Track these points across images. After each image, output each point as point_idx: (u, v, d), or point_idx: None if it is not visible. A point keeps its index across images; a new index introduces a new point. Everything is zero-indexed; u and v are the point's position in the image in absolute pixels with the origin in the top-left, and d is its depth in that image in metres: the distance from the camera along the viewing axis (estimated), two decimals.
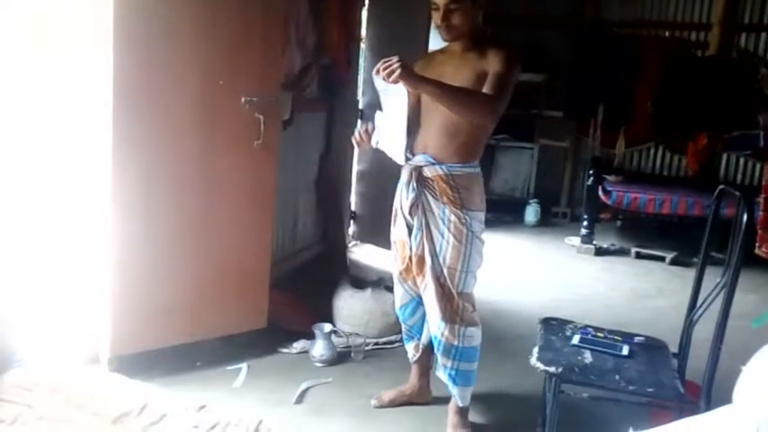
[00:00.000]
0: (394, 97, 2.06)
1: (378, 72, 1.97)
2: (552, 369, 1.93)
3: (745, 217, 1.74)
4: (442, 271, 2.28)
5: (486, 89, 2.12)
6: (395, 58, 1.95)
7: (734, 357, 1.84)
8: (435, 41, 4.13)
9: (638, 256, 5.25)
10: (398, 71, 1.93)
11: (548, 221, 6.40)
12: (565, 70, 5.95)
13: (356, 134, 2.32)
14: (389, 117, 2.16)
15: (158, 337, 2.70)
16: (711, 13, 6.03)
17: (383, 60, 1.97)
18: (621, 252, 5.36)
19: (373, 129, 2.26)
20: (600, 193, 5.30)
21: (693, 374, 2.07)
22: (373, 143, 2.26)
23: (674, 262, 5.11)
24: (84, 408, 2.12)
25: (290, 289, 3.41)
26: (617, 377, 1.92)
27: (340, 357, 2.95)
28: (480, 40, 2.24)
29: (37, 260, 2.59)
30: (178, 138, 2.62)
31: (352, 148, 4.43)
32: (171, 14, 2.50)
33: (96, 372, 2.56)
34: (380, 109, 2.23)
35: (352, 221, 4.64)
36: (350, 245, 4.46)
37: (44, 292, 2.61)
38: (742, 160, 6.11)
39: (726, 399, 1.64)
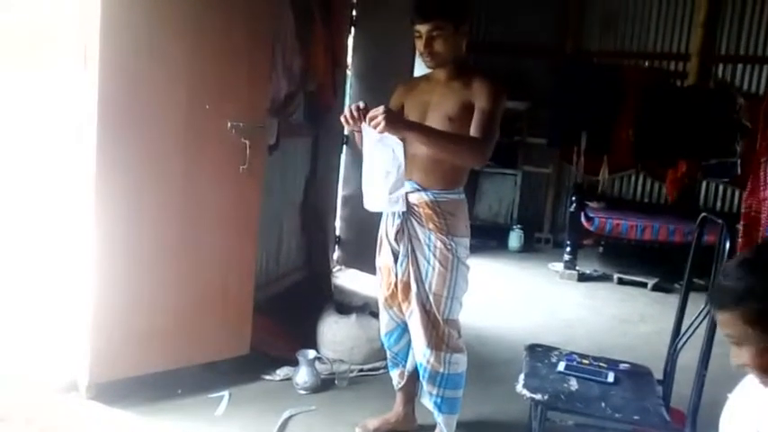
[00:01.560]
0: (389, 144, 2.06)
1: (366, 121, 2.00)
2: (538, 396, 1.92)
3: (727, 244, 1.76)
4: (427, 297, 2.28)
5: (474, 130, 2.15)
6: (380, 109, 1.98)
7: (717, 384, 1.85)
8: (420, 68, 4.17)
9: (621, 281, 5.29)
10: (383, 123, 1.96)
11: (531, 247, 6.44)
12: (548, 99, 6.04)
13: (346, 112, 2.11)
14: (383, 165, 2.13)
15: (139, 363, 2.65)
16: (690, 44, 6.18)
17: (371, 111, 2.00)
18: (604, 278, 5.40)
19: (365, 106, 2.09)
20: (582, 219, 5.35)
21: (677, 401, 2.07)
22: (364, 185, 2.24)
23: (655, 288, 5.15)
24: None
25: (274, 314, 3.37)
26: (603, 404, 1.91)
27: (324, 384, 2.92)
28: (464, 69, 2.27)
29: (15, 283, 2.54)
30: (162, 161, 2.60)
31: (338, 173, 4.48)
32: (157, 38, 2.50)
33: (74, 400, 2.50)
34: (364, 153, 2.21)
35: (336, 246, 4.63)
36: (334, 270, 4.44)
37: (22, 317, 2.55)
38: (721, 187, 6.22)
39: (710, 426, 1.65)
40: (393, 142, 2.05)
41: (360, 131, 2.15)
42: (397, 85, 2.45)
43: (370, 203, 2.24)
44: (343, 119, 2.13)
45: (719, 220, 1.90)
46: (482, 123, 2.14)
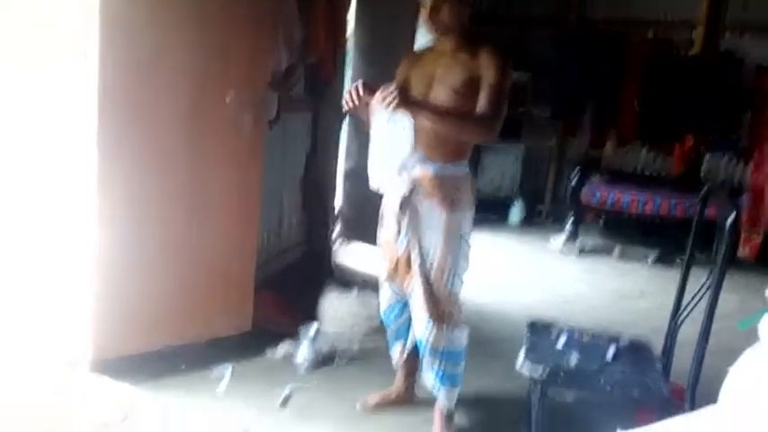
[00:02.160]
0: (399, 124, 2.07)
1: (377, 100, 1.98)
2: (538, 373, 1.93)
3: (732, 217, 1.75)
4: (429, 272, 2.28)
5: (482, 106, 2.12)
6: (392, 87, 1.96)
7: (715, 358, 1.86)
8: (422, 42, 4.12)
9: (621, 256, 5.28)
10: (395, 102, 1.94)
11: (532, 221, 6.42)
12: (551, 70, 5.97)
13: (346, 95, 2.08)
14: (392, 144, 2.15)
15: (142, 340, 2.67)
16: (696, 13, 6.07)
17: (381, 89, 1.97)
18: (605, 252, 5.40)
19: (364, 85, 2.05)
20: (584, 192, 5.33)
21: (676, 376, 2.08)
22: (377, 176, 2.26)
23: (656, 262, 5.15)
24: (66, 413, 2.08)
25: (275, 290, 3.38)
26: (602, 380, 1.92)
27: (325, 360, 2.94)
28: (470, 40, 2.23)
29: (20, 262, 2.54)
30: (163, 137, 2.59)
31: (338, 147, 4.45)
32: (157, 10, 2.47)
33: (79, 375, 2.52)
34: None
35: (337, 221, 4.62)
36: (335, 245, 4.44)
37: (27, 295, 2.56)
38: (723, 160, 6.17)
39: (709, 398, 1.66)
40: (403, 121, 2.03)
41: (357, 113, 2.14)
42: (402, 58, 2.43)
43: (377, 182, 2.24)
44: (344, 102, 2.10)
45: (725, 193, 1.88)
46: (491, 99, 2.12)
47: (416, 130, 2.28)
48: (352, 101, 2.06)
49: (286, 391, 2.64)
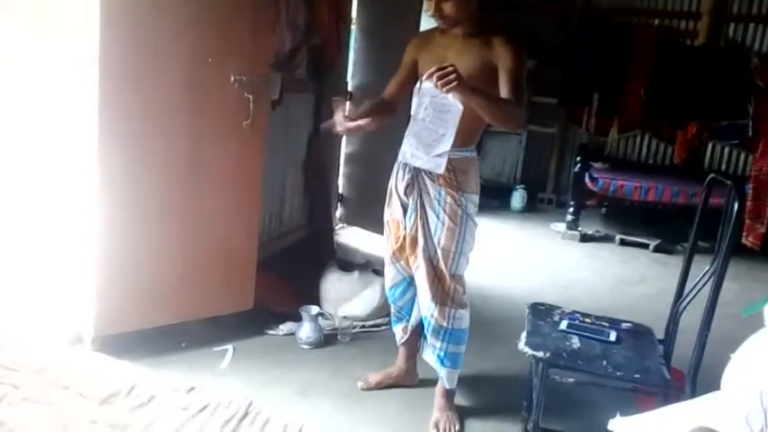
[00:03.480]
0: (449, 107, 2.00)
1: (431, 77, 1.90)
2: (540, 354, 1.93)
3: (735, 206, 1.75)
4: (435, 252, 2.28)
5: (504, 92, 2.08)
6: (451, 68, 1.88)
7: (715, 345, 1.87)
8: (426, 22, 4.09)
9: (623, 242, 5.29)
10: (456, 83, 1.87)
11: (534, 207, 6.43)
12: (558, 57, 5.95)
13: (337, 127, 2.18)
14: (434, 125, 2.07)
15: (143, 317, 2.67)
16: (701, 3, 6.04)
17: (438, 67, 1.89)
18: (606, 239, 5.40)
19: (351, 110, 2.14)
20: (587, 179, 5.33)
21: (677, 361, 2.09)
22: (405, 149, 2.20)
23: (657, 249, 5.16)
24: (70, 389, 2.09)
25: (277, 271, 3.39)
26: (604, 363, 1.93)
27: (327, 340, 2.95)
28: (482, 26, 2.19)
29: (21, 240, 2.54)
30: (165, 117, 2.57)
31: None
32: None
33: (82, 352, 2.53)
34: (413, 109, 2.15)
35: (339, 204, 4.62)
36: (337, 227, 4.45)
37: (29, 272, 2.56)
38: (727, 150, 6.17)
39: (708, 384, 1.67)
40: (453, 105, 1.99)
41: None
42: (411, 40, 2.40)
43: (411, 158, 2.18)
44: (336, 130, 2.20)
45: (728, 182, 1.88)
46: (515, 87, 2.07)
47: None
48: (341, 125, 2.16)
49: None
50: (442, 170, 2.15)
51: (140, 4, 2.41)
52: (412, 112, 2.14)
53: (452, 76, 1.87)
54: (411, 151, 2.16)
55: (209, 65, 2.61)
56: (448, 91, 1.90)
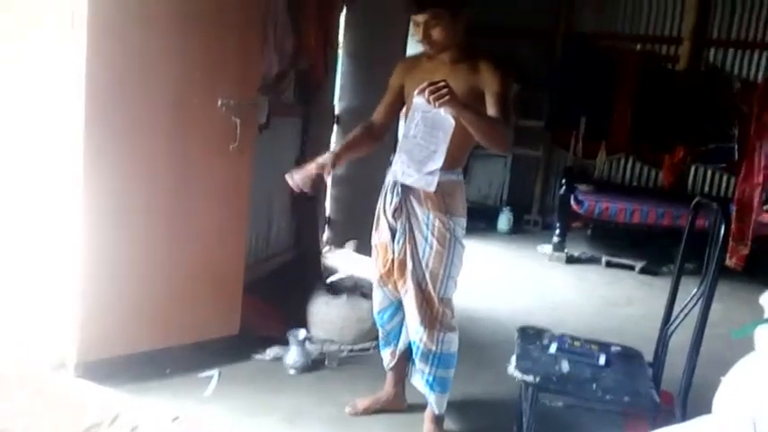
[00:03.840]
0: (440, 122, 2.00)
1: (422, 92, 1.91)
2: (530, 378, 1.92)
3: (723, 228, 1.76)
4: (423, 275, 2.27)
5: (494, 114, 2.09)
6: (443, 83, 1.90)
7: (702, 367, 1.88)
8: (413, 47, 4.13)
9: (609, 264, 5.32)
10: (448, 98, 1.88)
11: (520, 229, 6.46)
12: (543, 82, 6.03)
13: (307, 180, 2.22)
14: (426, 141, 2.06)
15: (127, 342, 2.63)
16: (682, 28, 6.17)
17: (430, 82, 1.91)
18: (592, 260, 5.43)
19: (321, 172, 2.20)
20: (572, 202, 5.37)
21: (665, 383, 2.09)
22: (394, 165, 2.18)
23: (643, 271, 5.19)
24: (50, 417, 2.03)
25: (264, 294, 3.36)
26: (594, 386, 1.92)
27: (314, 364, 2.91)
28: (468, 52, 2.22)
29: (4, 261, 2.50)
30: (152, 139, 2.56)
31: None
32: (147, 11, 2.45)
33: (63, 378, 2.48)
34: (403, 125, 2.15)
35: (326, 226, 4.60)
36: (324, 250, 4.42)
37: (10, 295, 2.52)
38: (710, 172, 6.25)
39: (697, 406, 1.66)
40: (445, 120, 1.99)
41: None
42: (397, 64, 2.41)
43: (402, 176, 2.16)
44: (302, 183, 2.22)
45: (715, 204, 1.89)
46: (502, 109, 2.09)
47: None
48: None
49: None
50: (433, 188, 2.15)
51: (127, 24, 2.41)
52: (402, 131, 2.15)
53: (444, 90, 1.89)
54: (402, 169, 2.15)
55: (196, 88, 2.61)
56: (440, 106, 1.91)
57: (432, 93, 1.89)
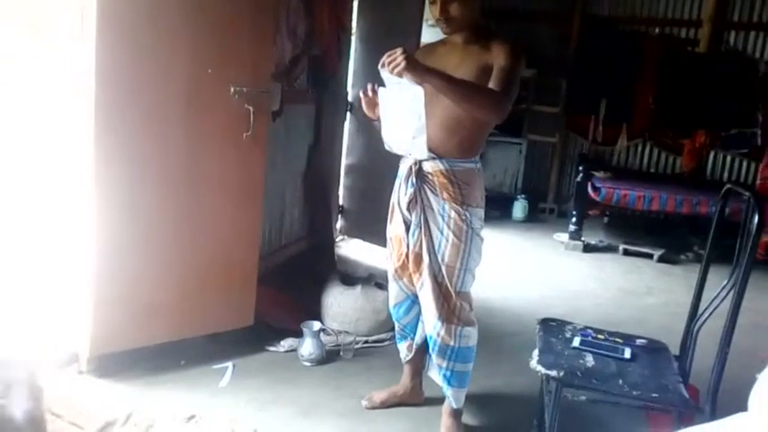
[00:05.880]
0: (408, 90, 1.95)
1: (383, 65, 1.90)
2: (554, 373, 1.86)
3: (756, 218, 1.69)
4: (439, 269, 2.21)
5: (492, 85, 2.05)
6: (399, 50, 1.87)
7: (730, 360, 1.81)
8: (427, 32, 4.04)
9: (626, 253, 5.23)
10: (403, 63, 1.85)
11: (535, 217, 6.38)
12: (558, 66, 5.93)
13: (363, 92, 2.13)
14: (403, 110, 2.03)
15: (141, 335, 2.60)
16: (702, 11, 6.03)
17: (387, 53, 1.89)
18: (609, 249, 5.35)
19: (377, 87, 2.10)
20: (589, 189, 5.28)
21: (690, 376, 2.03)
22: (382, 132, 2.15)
23: (661, 259, 5.09)
24: (64, 417, 2.00)
25: (277, 285, 3.32)
26: (620, 381, 1.86)
27: (329, 356, 2.87)
28: (482, 33, 2.17)
29: (17, 255, 2.46)
30: (164, 128, 2.51)
31: (341, 141, 4.38)
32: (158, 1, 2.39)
33: (77, 376, 2.45)
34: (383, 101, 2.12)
35: (339, 216, 4.55)
36: (338, 240, 4.38)
37: (23, 289, 2.49)
38: (729, 158, 6.13)
39: (724, 403, 1.60)
40: (413, 89, 1.94)
41: (366, 108, 2.12)
42: (415, 52, 2.36)
43: (393, 146, 2.13)
44: (361, 92, 2.11)
45: (746, 193, 1.82)
46: (501, 79, 2.05)
47: (427, 124, 2.21)
48: (368, 97, 2.09)
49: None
50: (425, 154, 2.12)
51: (137, 14, 2.36)
52: (380, 107, 2.11)
53: (400, 58, 1.85)
54: (391, 142, 2.14)
55: (208, 76, 2.56)
56: (399, 74, 1.88)
57: (390, 63, 1.87)
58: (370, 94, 2.09)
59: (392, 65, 1.87)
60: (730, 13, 5.99)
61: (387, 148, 2.21)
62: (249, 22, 2.64)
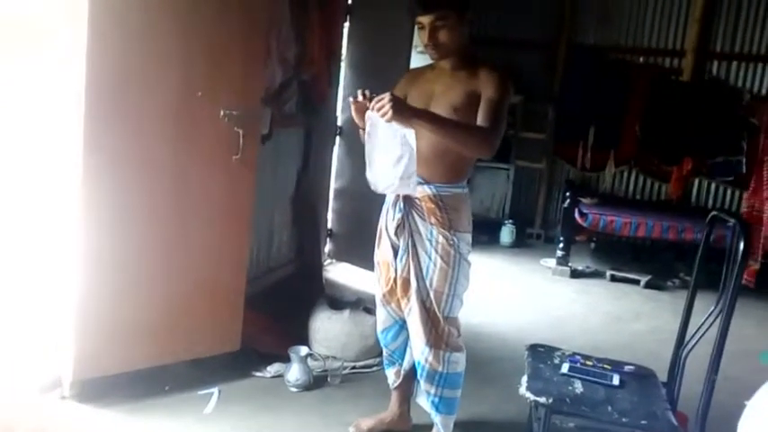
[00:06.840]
0: (398, 132, 1.94)
1: (372, 109, 1.90)
2: (543, 400, 1.85)
3: (741, 245, 1.70)
4: (428, 294, 2.21)
5: (481, 119, 2.07)
6: (387, 96, 1.88)
7: (718, 386, 1.81)
8: (416, 58, 4.09)
9: (613, 278, 5.24)
10: (390, 112, 1.86)
11: (522, 242, 6.38)
12: (544, 93, 6.02)
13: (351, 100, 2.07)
14: (392, 150, 1.99)
15: (125, 359, 2.56)
16: (685, 41, 6.14)
17: (376, 99, 1.90)
18: (596, 274, 5.35)
19: (370, 94, 2.03)
20: (576, 215, 5.30)
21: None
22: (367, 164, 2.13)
23: (648, 285, 5.11)
24: None
25: (265, 309, 3.29)
26: (609, 408, 1.85)
27: (316, 382, 2.84)
28: (470, 60, 2.20)
29: None
30: (153, 150, 2.50)
31: (330, 165, 4.39)
32: (148, 21, 2.40)
33: (58, 403, 2.40)
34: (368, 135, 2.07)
35: (328, 240, 4.54)
36: (326, 264, 4.36)
37: (5, 313, 2.45)
38: (713, 186, 6.20)
39: (715, 429, 1.60)
40: (404, 131, 1.94)
41: (356, 116, 2.07)
42: (403, 76, 2.38)
43: (380, 186, 2.09)
44: (350, 100, 2.06)
45: (732, 220, 1.84)
46: (490, 113, 2.06)
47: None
48: (358, 103, 2.03)
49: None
50: (414, 192, 2.09)
51: (128, 35, 2.36)
52: (366, 146, 2.06)
53: (387, 105, 1.86)
54: (379, 181, 2.07)
55: (198, 98, 2.56)
56: (388, 120, 1.88)
57: (378, 109, 1.87)
58: (360, 98, 2.04)
59: (381, 111, 1.87)
60: (713, 44, 6.10)
61: (372, 188, 2.14)
62: (240, 47, 2.66)
